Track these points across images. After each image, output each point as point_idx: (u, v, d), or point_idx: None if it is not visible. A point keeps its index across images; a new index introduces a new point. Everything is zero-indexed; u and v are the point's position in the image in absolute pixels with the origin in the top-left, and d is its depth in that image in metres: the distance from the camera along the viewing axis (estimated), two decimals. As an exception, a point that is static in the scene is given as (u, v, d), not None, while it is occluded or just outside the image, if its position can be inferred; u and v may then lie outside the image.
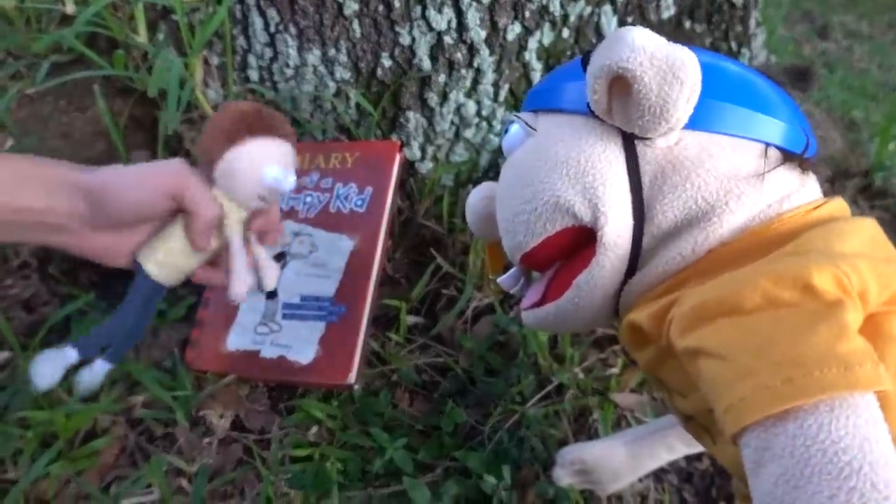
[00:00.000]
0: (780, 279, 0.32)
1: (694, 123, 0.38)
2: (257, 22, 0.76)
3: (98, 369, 0.53)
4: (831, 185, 1.16)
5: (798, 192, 0.39)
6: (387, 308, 0.76)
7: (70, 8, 0.76)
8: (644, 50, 0.35)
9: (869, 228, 0.38)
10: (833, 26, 2.18)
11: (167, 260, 0.52)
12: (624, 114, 0.38)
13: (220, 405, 0.69)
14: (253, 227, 0.54)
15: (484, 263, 0.77)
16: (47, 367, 0.51)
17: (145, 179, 0.50)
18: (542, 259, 0.45)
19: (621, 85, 0.37)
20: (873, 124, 1.38)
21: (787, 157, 0.40)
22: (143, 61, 0.82)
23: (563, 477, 0.62)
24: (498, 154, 0.80)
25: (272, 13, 0.74)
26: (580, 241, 0.42)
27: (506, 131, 0.47)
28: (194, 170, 0.51)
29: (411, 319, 0.77)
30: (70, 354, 0.52)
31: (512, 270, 0.49)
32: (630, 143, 0.40)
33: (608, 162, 0.40)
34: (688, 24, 0.77)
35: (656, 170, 0.39)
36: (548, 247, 0.43)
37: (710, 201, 0.38)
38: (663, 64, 0.35)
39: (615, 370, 0.73)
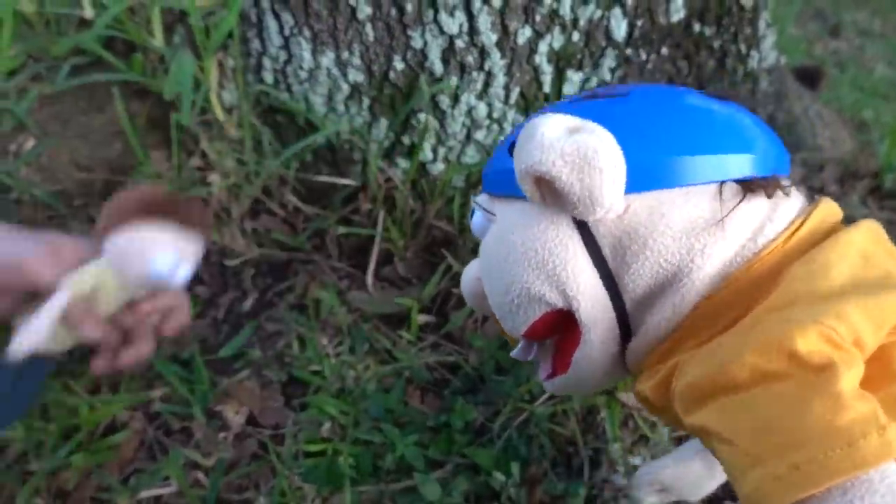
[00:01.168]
0: (766, 350, 0.31)
1: (637, 186, 0.37)
2: (272, 25, 0.77)
3: None
4: (840, 186, 1.16)
5: (771, 220, 0.37)
6: (398, 307, 0.78)
7: (89, 12, 0.78)
8: (553, 148, 0.34)
9: (858, 242, 0.36)
10: (845, 25, 2.18)
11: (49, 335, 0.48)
12: (559, 204, 0.37)
13: (235, 401, 0.71)
14: (143, 309, 0.51)
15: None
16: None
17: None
18: (540, 335, 0.44)
19: (545, 181, 0.36)
20: (884, 125, 1.38)
21: (748, 187, 0.37)
22: (160, 64, 0.83)
23: (645, 498, 0.61)
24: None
25: (287, 17, 0.76)
26: (567, 318, 0.41)
27: (472, 214, 0.47)
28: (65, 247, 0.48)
29: (422, 318, 0.78)
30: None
31: (520, 343, 0.48)
32: (582, 221, 0.39)
33: (564, 245, 0.39)
34: (697, 27, 0.78)
35: (614, 242, 0.38)
36: (537, 329, 0.42)
37: (675, 262, 0.37)
38: (576, 158, 0.34)
39: (623, 369, 0.74)
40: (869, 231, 0.37)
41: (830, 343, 0.30)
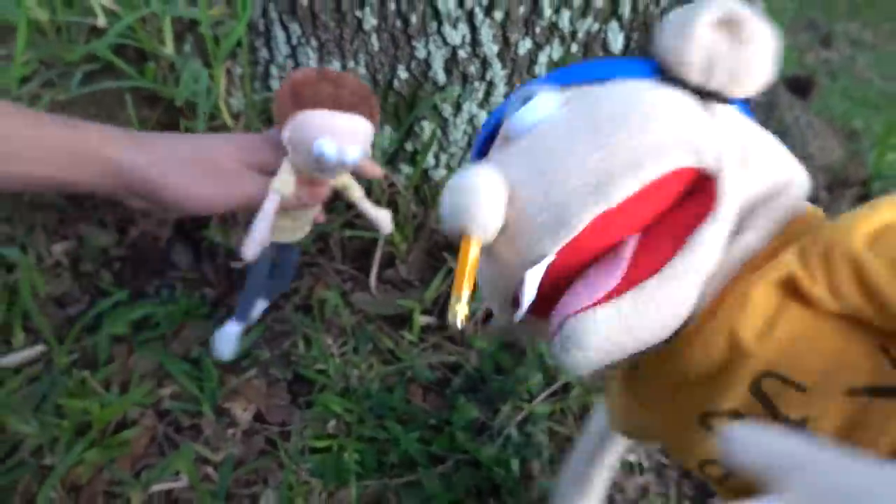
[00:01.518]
0: None
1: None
2: (280, 35, 0.80)
3: (229, 331, 0.64)
4: (830, 194, 1.19)
5: None
6: (401, 308, 0.80)
7: (102, 21, 0.80)
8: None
9: None
10: (837, 35, 2.21)
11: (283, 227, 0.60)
12: (730, 63, 0.34)
13: (243, 399, 0.73)
14: (300, 198, 0.56)
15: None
16: (224, 344, 0.64)
17: (209, 184, 0.52)
18: (617, 223, 0.34)
19: (731, 29, 0.34)
20: (874, 134, 1.41)
21: None
22: (170, 71, 0.86)
23: None
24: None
25: (294, 27, 0.78)
26: (669, 205, 0.34)
27: (523, 102, 0.37)
28: (257, 143, 0.54)
29: (424, 320, 0.80)
30: (234, 327, 0.65)
31: (534, 270, 0.34)
32: (706, 104, 0.35)
33: (704, 113, 0.34)
34: (691, 40, 0.81)
35: (736, 133, 0.35)
36: (642, 201, 0.33)
37: (786, 170, 0.36)
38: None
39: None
40: None
41: None
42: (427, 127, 0.81)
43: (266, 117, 0.86)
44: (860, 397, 0.29)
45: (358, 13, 0.75)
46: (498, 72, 0.77)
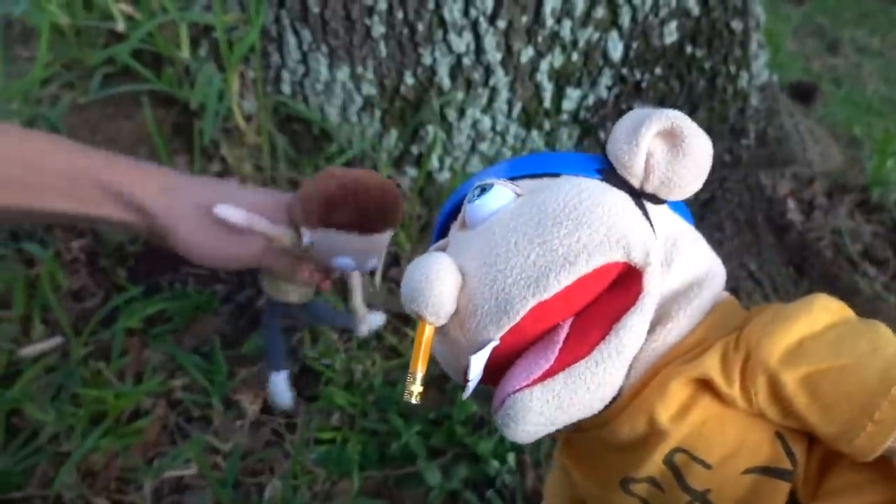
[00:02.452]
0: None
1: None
2: (291, 41, 0.83)
3: (277, 381, 0.72)
4: (829, 199, 1.21)
5: None
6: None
7: (121, 26, 0.83)
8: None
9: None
10: (844, 42, 2.22)
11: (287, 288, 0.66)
12: (664, 171, 0.38)
13: (251, 391, 0.76)
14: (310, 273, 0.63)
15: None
16: (280, 395, 0.72)
17: (220, 245, 0.56)
18: (554, 311, 0.37)
19: (672, 140, 0.37)
20: (875, 140, 1.43)
21: None
22: (186, 74, 0.89)
23: None
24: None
25: (305, 33, 0.81)
26: (600, 292, 0.37)
27: (479, 194, 0.40)
28: (279, 229, 0.57)
29: (427, 317, 0.83)
30: (283, 375, 0.72)
31: (478, 355, 0.37)
32: (641, 203, 0.39)
33: (632, 210, 0.38)
34: (689, 49, 0.83)
35: (666, 231, 0.39)
36: (576, 291, 0.36)
37: (706, 265, 0.40)
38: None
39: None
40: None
41: None
42: (432, 131, 0.83)
43: (278, 120, 0.89)
44: (755, 475, 0.34)
45: (367, 21, 0.78)
46: (501, 78, 0.80)
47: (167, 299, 0.81)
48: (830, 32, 2.28)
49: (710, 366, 0.34)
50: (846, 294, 0.89)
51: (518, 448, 0.71)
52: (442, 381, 0.79)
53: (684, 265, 0.39)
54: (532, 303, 0.35)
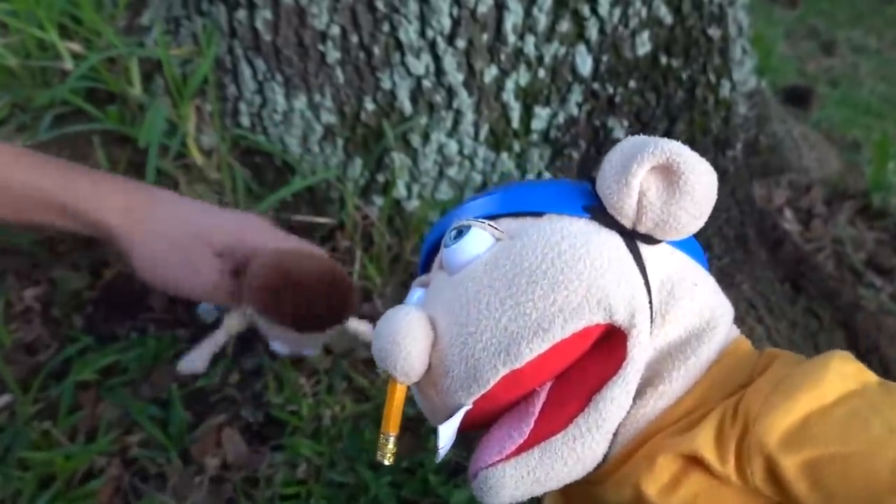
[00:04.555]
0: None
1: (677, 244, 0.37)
2: (246, 71, 0.79)
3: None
4: (828, 207, 1.16)
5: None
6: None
7: (69, 64, 0.80)
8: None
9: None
10: (839, 42, 2.18)
11: None
12: (659, 213, 0.34)
13: (212, 444, 0.71)
14: None
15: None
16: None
17: (187, 284, 0.57)
18: (528, 378, 0.34)
19: (668, 177, 0.33)
20: (874, 143, 1.37)
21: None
22: (140, 111, 0.85)
23: None
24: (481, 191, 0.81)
25: (259, 63, 0.78)
26: (579, 356, 0.35)
27: (456, 236, 0.38)
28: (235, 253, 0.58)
29: (399, 355, 0.78)
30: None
31: (448, 423, 0.36)
32: (634, 245, 0.35)
33: (624, 260, 0.35)
34: (664, 60, 0.79)
35: (663, 276, 0.36)
36: (552, 358, 0.34)
37: (707, 315, 0.36)
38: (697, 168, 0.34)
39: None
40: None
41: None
42: (397, 158, 0.79)
43: (238, 153, 0.85)
44: None
45: (321, 47, 0.74)
46: (465, 100, 0.75)
47: (123, 348, 0.77)
48: (825, 33, 2.24)
49: (703, 443, 0.31)
50: (848, 310, 0.83)
51: (495, 497, 0.65)
52: (416, 425, 0.74)
53: (681, 316, 0.35)
54: (503, 372, 0.33)
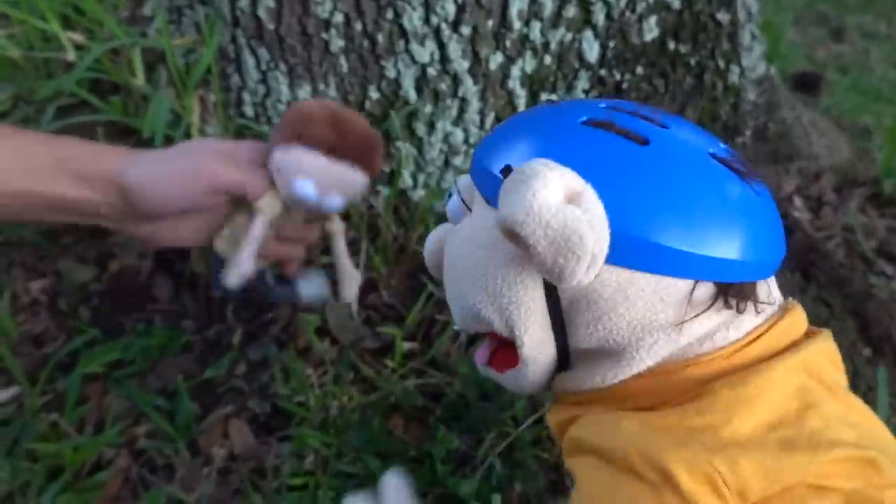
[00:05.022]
0: (651, 461, 0.32)
1: (614, 258, 0.33)
2: (249, 61, 0.78)
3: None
4: (838, 195, 1.14)
5: (727, 327, 0.36)
6: (383, 335, 0.78)
7: (71, 55, 0.80)
8: (540, 217, 0.31)
9: (795, 375, 0.35)
10: (849, 28, 2.15)
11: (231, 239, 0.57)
12: (527, 259, 0.35)
13: (219, 436, 0.71)
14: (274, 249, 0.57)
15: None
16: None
17: (186, 179, 0.51)
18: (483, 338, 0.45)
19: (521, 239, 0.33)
20: (885, 129, 1.35)
21: (722, 291, 0.36)
22: (144, 102, 0.85)
23: None
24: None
25: (263, 52, 0.77)
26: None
27: (449, 196, 0.44)
28: (241, 151, 0.54)
29: (406, 345, 0.78)
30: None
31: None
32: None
33: (525, 286, 0.37)
34: (672, 45, 0.77)
35: (572, 299, 0.37)
36: (481, 334, 0.44)
37: (621, 345, 0.37)
38: (558, 236, 0.31)
39: (608, 392, 0.73)
40: (818, 354, 0.36)
41: (711, 485, 0.31)
42: (402, 147, 0.79)
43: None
44: None
45: (324, 35, 0.74)
46: (470, 88, 0.75)
47: (130, 340, 0.77)
48: (835, 19, 2.21)
49: (554, 422, 0.43)
50: (859, 299, 0.82)
51: (502, 489, 0.65)
52: (424, 415, 0.73)
53: (586, 335, 0.38)
54: (462, 328, 0.45)
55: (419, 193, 0.82)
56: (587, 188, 0.32)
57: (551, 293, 0.38)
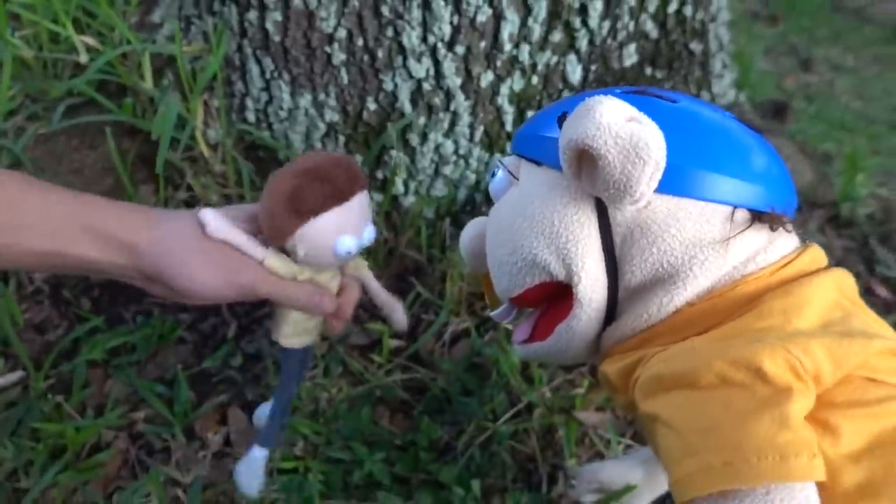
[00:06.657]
0: (735, 362, 0.34)
1: (663, 188, 0.39)
2: (254, 69, 0.83)
3: (255, 458, 0.63)
4: (800, 215, 1.22)
5: (766, 250, 0.40)
6: (370, 332, 0.83)
7: (83, 57, 0.84)
8: (609, 129, 0.36)
9: (831, 290, 0.39)
10: (817, 60, 2.26)
11: (296, 330, 0.59)
12: (592, 183, 0.39)
13: (214, 422, 0.75)
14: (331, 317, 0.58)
15: (461, 291, 0.83)
16: (250, 476, 0.63)
17: (213, 273, 0.50)
18: (528, 302, 0.48)
19: (588, 158, 0.38)
20: (845, 156, 1.44)
21: (757, 217, 0.41)
22: (150, 104, 0.89)
23: (582, 493, 0.65)
24: (474, 190, 0.86)
25: (267, 62, 0.82)
26: (560, 290, 0.44)
27: (493, 175, 0.49)
28: (261, 249, 0.52)
29: (393, 343, 0.83)
30: (258, 454, 0.63)
31: (504, 305, 0.51)
32: (602, 205, 0.41)
33: (580, 224, 0.41)
34: (649, 71, 0.84)
35: (626, 232, 0.41)
36: (530, 295, 0.46)
37: (675, 266, 0.40)
38: (627, 143, 0.36)
39: (581, 390, 0.79)
40: (841, 278, 0.41)
41: (793, 371, 0.34)
42: (396, 156, 0.84)
43: (243, 147, 0.89)
44: None
45: (327, 48, 0.79)
46: (461, 103, 0.80)
47: (130, 330, 0.81)
48: (804, 51, 2.32)
49: (612, 371, 0.44)
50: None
51: (482, 475, 0.70)
52: (408, 407, 0.78)
53: (641, 264, 0.41)
54: (505, 295, 0.48)
55: (410, 200, 0.87)
56: (641, 114, 0.38)
57: (605, 230, 0.42)
